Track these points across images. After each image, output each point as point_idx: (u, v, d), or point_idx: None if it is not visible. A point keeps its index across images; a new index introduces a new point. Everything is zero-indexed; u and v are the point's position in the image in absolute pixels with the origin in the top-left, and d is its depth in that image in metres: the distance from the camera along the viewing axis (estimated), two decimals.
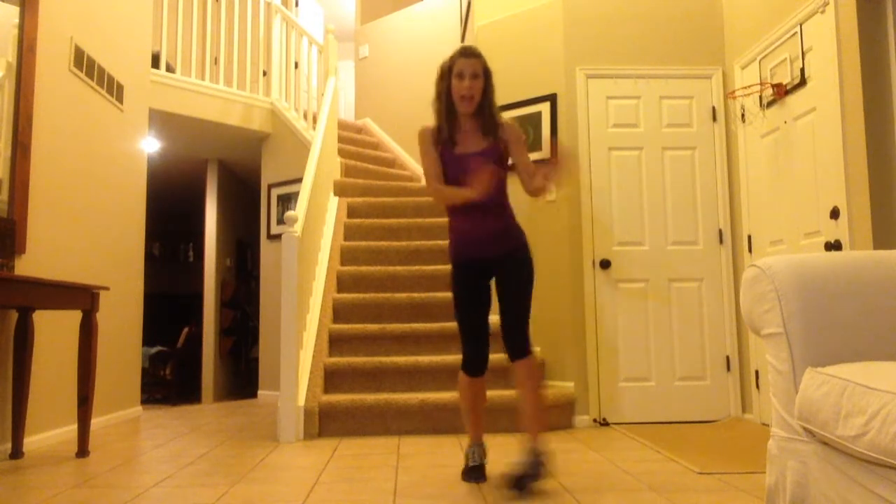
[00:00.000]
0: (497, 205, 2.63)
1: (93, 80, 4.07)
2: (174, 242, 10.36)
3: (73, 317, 3.76)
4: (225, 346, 6.90)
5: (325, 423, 3.72)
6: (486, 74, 2.63)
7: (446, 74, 2.64)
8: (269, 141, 6.21)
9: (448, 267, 4.90)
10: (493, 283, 2.71)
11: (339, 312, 4.57)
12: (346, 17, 9.73)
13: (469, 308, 2.64)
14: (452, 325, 4.33)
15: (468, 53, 2.61)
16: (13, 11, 3.28)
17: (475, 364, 2.63)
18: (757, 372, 3.90)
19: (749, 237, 3.98)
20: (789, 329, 1.59)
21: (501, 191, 2.66)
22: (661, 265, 4.13)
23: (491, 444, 3.37)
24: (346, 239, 5.31)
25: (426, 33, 7.45)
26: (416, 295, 4.60)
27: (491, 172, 2.44)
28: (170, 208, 9.24)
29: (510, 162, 2.70)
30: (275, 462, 3.02)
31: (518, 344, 2.56)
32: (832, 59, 3.13)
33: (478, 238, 2.62)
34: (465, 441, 3.47)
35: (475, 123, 2.66)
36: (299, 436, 3.63)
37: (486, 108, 2.63)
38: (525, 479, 2.39)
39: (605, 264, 4.11)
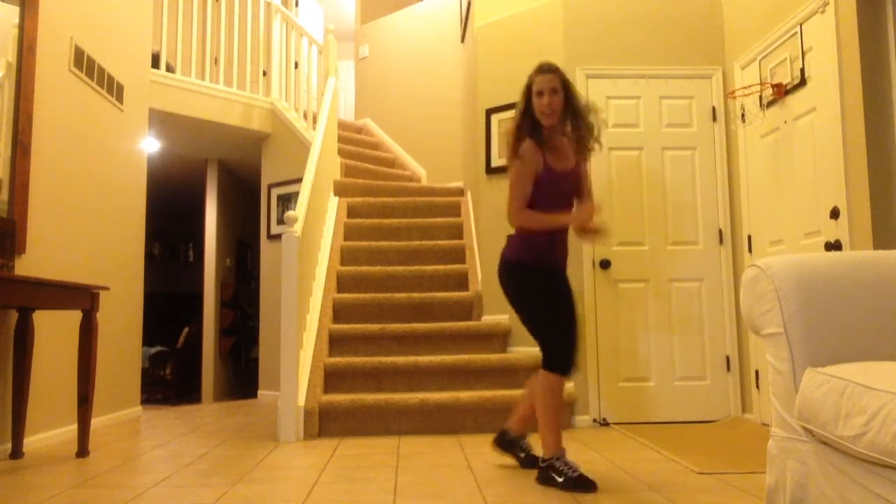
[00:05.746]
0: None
1: (93, 80, 4.07)
2: (174, 242, 10.36)
3: (73, 317, 3.76)
4: (225, 346, 6.90)
5: (325, 423, 3.72)
6: (566, 87, 2.69)
7: (526, 93, 2.71)
8: (269, 141, 6.21)
9: (449, 267, 4.91)
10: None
11: (339, 312, 4.57)
12: (346, 17, 9.73)
13: (569, 307, 2.68)
14: (452, 325, 4.33)
15: (544, 69, 2.69)
16: (13, 11, 3.28)
17: (575, 360, 2.64)
18: (757, 372, 3.90)
19: (749, 237, 3.98)
20: (789, 329, 1.59)
21: (574, 204, 2.78)
22: (661, 265, 4.13)
23: (490, 443, 3.38)
24: (346, 239, 5.31)
25: (426, 33, 7.45)
26: (416, 295, 4.60)
27: (592, 210, 2.63)
28: (170, 208, 9.24)
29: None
30: (275, 462, 3.02)
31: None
32: (832, 59, 3.13)
33: (561, 248, 2.75)
34: (464, 441, 3.47)
35: (564, 137, 2.72)
36: (299, 436, 3.63)
37: (576, 120, 2.69)
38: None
39: (605, 264, 4.11)
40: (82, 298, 3.27)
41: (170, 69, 5.50)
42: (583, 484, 2.45)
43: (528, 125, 2.69)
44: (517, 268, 2.69)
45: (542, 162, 2.65)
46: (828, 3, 3.17)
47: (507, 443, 2.91)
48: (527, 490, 2.46)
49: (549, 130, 2.68)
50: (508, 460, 2.95)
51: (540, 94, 2.65)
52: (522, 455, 2.86)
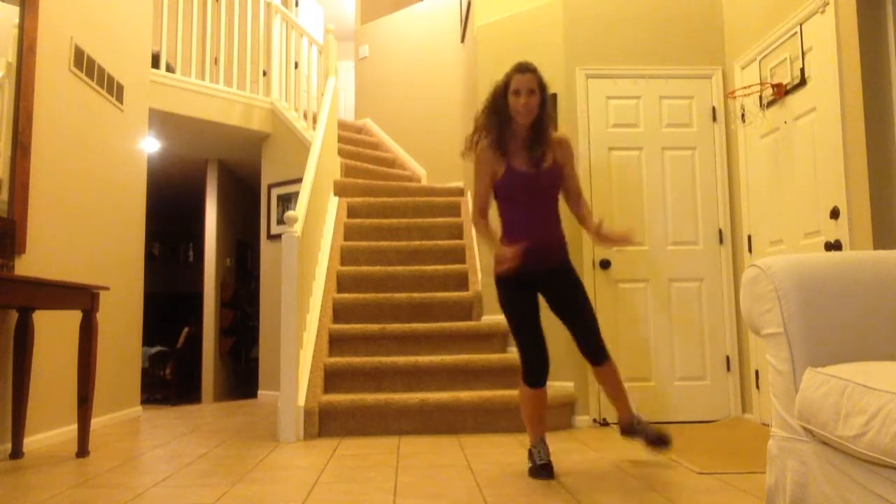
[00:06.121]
0: (550, 220, 2.73)
1: (93, 80, 4.07)
2: (174, 242, 10.35)
3: (73, 317, 3.76)
4: (225, 346, 6.90)
5: (325, 423, 3.72)
6: (542, 89, 2.68)
7: (501, 91, 2.70)
8: (269, 141, 6.21)
9: (449, 267, 4.91)
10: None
11: (339, 312, 4.57)
12: (346, 17, 9.73)
13: (529, 318, 2.70)
14: (452, 325, 4.33)
15: (523, 69, 2.68)
16: (13, 11, 3.28)
17: (540, 374, 2.68)
18: (757, 372, 3.90)
19: (749, 237, 3.98)
20: (789, 329, 1.59)
21: (553, 206, 2.75)
22: (661, 265, 4.13)
23: (490, 443, 3.38)
24: (346, 239, 5.31)
25: (426, 33, 7.45)
26: (416, 295, 4.60)
27: (515, 257, 2.53)
28: (170, 208, 9.24)
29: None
30: (275, 462, 3.02)
31: (597, 349, 2.70)
32: (832, 59, 3.13)
33: (536, 249, 2.67)
34: (464, 441, 3.48)
35: (527, 138, 2.71)
36: (299, 436, 3.63)
37: (538, 124, 2.69)
38: (651, 437, 2.80)
39: (605, 264, 4.11)
40: (82, 298, 3.27)
41: (170, 69, 5.50)
42: (536, 474, 2.65)
43: (497, 122, 2.69)
44: (496, 277, 2.74)
45: (500, 162, 2.70)
46: (828, 3, 3.17)
47: (630, 429, 2.93)
48: (527, 490, 2.46)
49: (519, 128, 2.69)
50: (512, 459, 2.96)
51: (517, 93, 2.64)
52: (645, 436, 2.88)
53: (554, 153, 2.73)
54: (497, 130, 2.70)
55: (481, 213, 2.78)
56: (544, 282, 2.74)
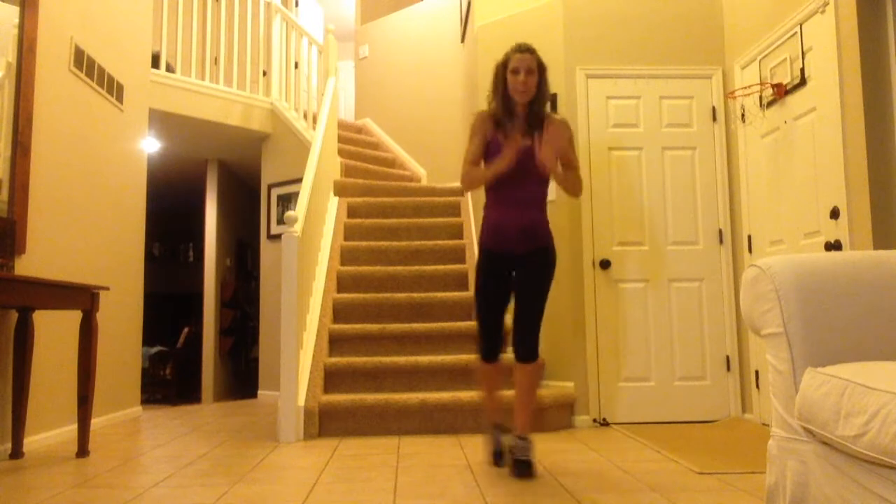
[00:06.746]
0: (533, 199, 2.71)
1: (93, 80, 4.07)
2: (174, 242, 10.35)
3: (73, 317, 3.76)
4: (225, 346, 6.90)
5: (325, 423, 3.72)
6: (541, 70, 2.71)
7: (501, 70, 2.72)
8: (269, 141, 6.21)
9: (449, 267, 4.91)
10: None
11: (339, 312, 4.57)
12: (346, 17, 9.73)
13: (488, 295, 2.75)
14: (452, 325, 4.33)
15: (522, 49, 2.70)
16: (13, 11, 3.28)
17: (487, 350, 2.81)
18: (757, 372, 3.90)
19: (749, 237, 3.98)
20: (789, 329, 1.59)
21: (540, 185, 2.74)
22: (661, 265, 4.13)
23: None
24: (346, 239, 5.31)
25: (426, 33, 7.45)
26: (416, 295, 4.60)
27: (518, 142, 2.57)
28: (170, 208, 9.24)
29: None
30: (275, 462, 3.02)
31: (524, 347, 2.67)
32: (832, 59, 3.13)
33: (508, 229, 2.70)
34: (464, 441, 3.48)
35: (524, 117, 2.73)
36: (299, 436, 3.63)
37: (534, 104, 2.71)
38: (518, 463, 2.65)
39: (605, 264, 4.11)
40: (82, 298, 3.27)
41: (170, 69, 5.50)
42: (491, 463, 2.88)
43: (501, 104, 2.71)
44: (480, 247, 2.82)
45: (491, 131, 2.73)
46: (828, 3, 3.17)
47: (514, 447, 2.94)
48: (527, 490, 2.46)
49: (517, 107, 2.71)
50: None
51: (515, 71, 2.66)
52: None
53: (541, 131, 2.67)
54: (500, 111, 2.73)
55: (472, 164, 2.76)
56: (517, 263, 2.74)
